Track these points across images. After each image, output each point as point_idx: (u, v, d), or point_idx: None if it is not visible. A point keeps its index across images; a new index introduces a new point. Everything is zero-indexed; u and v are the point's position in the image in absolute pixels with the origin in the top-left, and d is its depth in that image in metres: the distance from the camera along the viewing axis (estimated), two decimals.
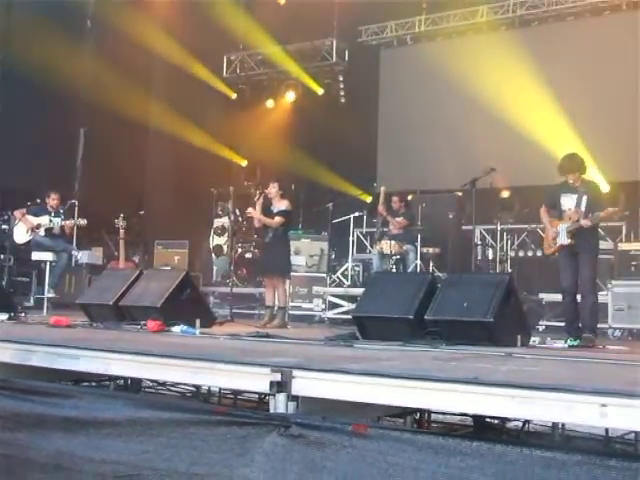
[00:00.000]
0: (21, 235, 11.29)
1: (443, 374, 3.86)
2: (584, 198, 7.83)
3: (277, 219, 9.57)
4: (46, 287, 10.87)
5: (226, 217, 15.06)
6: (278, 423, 3.61)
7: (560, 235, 7.92)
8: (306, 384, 3.84)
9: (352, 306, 10.78)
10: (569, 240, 7.84)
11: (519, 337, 6.76)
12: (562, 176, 8.06)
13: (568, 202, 7.97)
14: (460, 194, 13.07)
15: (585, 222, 7.73)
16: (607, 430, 4.96)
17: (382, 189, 12.33)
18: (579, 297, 7.94)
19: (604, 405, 3.12)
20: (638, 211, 11.71)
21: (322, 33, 16.10)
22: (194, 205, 15.31)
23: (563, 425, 4.96)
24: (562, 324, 8.35)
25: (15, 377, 4.81)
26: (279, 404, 3.83)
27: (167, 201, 15.43)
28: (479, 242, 12.41)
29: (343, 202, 13.63)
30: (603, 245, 10.97)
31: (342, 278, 13.03)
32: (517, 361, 5.38)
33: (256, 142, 16.33)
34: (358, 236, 13.70)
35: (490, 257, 12.57)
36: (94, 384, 5.90)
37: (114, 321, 8.08)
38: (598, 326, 8.27)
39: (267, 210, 9.69)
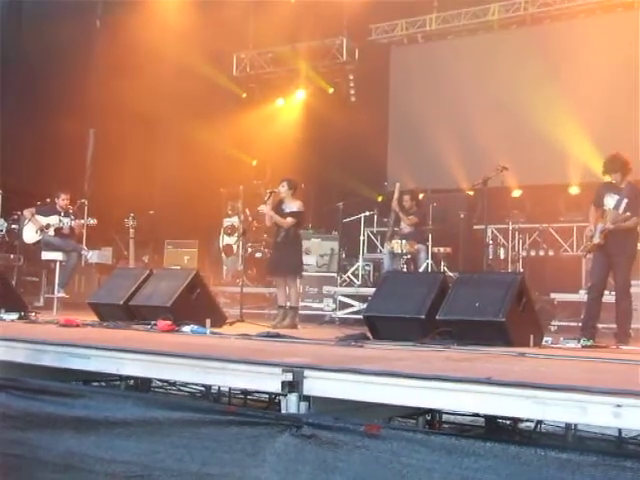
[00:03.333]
0: (31, 235, 11.31)
1: (456, 374, 3.83)
2: (624, 201, 7.85)
3: (289, 220, 9.54)
4: (56, 287, 10.88)
5: (236, 216, 15.06)
6: (290, 423, 3.59)
7: (596, 234, 7.94)
8: (318, 384, 3.83)
9: (363, 306, 10.74)
10: (600, 240, 7.84)
11: (532, 337, 6.71)
12: (605, 176, 8.14)
13: (610, 202, 8.02)
14: (471, 193, 13.03)
15: (609, 225, 7.76)
16: (620, 431, 4.91)
17: (397, 185, 12.32)
18: (608, 299, 7.97)
19: (619, 405, 3.09)
20: None
21: (332, 31, 16.06)
22: (204, 205, 15.30)
23: (576, 425, 4.91)
24: (575, 324, 8.32)
25: (26, 377, 4.81)
26: (291, 404, 3.81)
27: (177, 201, 15.42)
28: (490, 242, 12.36)
29: (353, 201, 13.59)
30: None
31: (353, 278, 13.00)
32: (530, 361, 5.35)
33: (266, 141, 16.31)
34: (369, 235, 13.64)
35: (502, 257, 12.52)
36: (104, 384, 5.89)
37: (124, 321, 8.08)
38: (611, 326, 8.25)
39: (279, 209, 9.67)
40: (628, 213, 7.83)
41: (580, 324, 8.49)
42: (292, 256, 9.65)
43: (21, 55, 14.23)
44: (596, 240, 7.91)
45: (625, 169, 8.02)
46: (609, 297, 8.26)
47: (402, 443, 3.32)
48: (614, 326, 8.22)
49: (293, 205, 9.64)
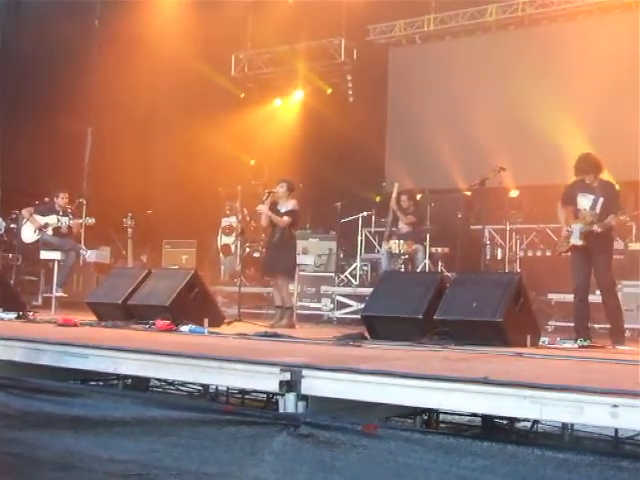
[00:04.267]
0: (29, 234, 11.31)
1: (453, 374, 3.84)
2: (600, 200, 7.80)
3: (285, 219, 9.54)
4: (54, 286, 10.87)
5: (234, 216, 15.06)
6: (288, 423, 3.60)
7: (573, 235, 7.88)
8: (315, 384, 3.84)
9: (360, 306, 10.76)
10: (581, 242, 7.81)
11: (528, 337, 6.74)
12: (577, 177, 8.03)
13: (584, 202, 7.94)
14: (469, 194, 13.03)
15: (596, 228, 7.71)
16: (616, 431, 4.93)
17: (396, 185, 12.35)
18: (593, 298, 7.94)
19: (615, 405, 3.10)
20: None
21: (330, 32, 16.05)
22: (202, 204, 15.30)
23: (572, 425, 4.93)
24: (572, 324, 8.31)
25: (24, 376, 4.82)
26: (288, 403, 3.82)
27: (175, 200, 15.42)
28: (488, 242, 12.36)
29: (351, 201, 13.60)
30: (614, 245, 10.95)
31: (350, 278, 13.01)
32: (527, 361, 5.37)
33: (264, 141, 16.31)
34: (366, 235, 13.66)
35: (499, 257, 12.53)
36: (102, 383, 5.90)
37: (122, 320, 8.08)
38: (608, 326, 8.24)
39: (274, 210, 9.67)
40: (612, 221, 7.79)
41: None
42: (285, 257, 9.65)
43: (19, 54, 14.24)
44: (576, 241, 7.83)
45: (598, 169, 7.92)
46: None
47: (399, 443, 3.33)
48: (610, 326, 8.23)
49: (288, 204, 9.64)
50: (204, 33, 15.22)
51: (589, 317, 7.97)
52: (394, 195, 12.16)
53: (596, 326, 8.74)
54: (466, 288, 7.09)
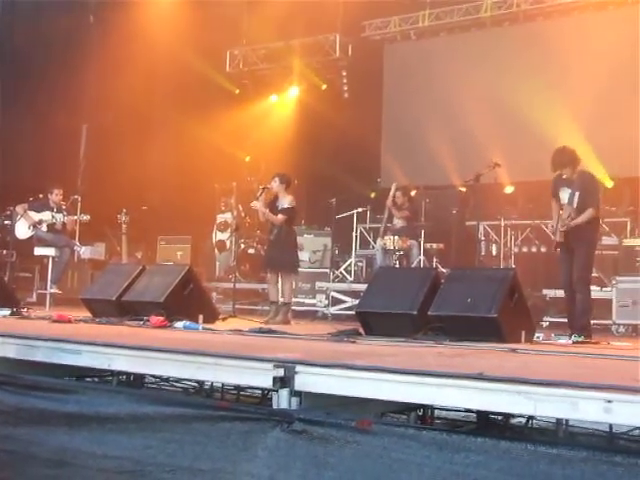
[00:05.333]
0: (23, 230, 11.28)
1: (447, 370, 3.84)
2: (576, 194, 7.72)
3: (280, 217, 9.52)
4: (49, 282, 10.85)
5: (229, 212, 15.05)
6: (281, 419, 3.60)
7: (557, 232, 7.87)
8: (309, 379, 3.84)
9: (355, 302, 10.75)
10: (561, 238, 7.78)
11: (523, 333, 6.75)
12: (555, 171, 7.97)
13: (564, 196, 7.90)
14: (464, 189, 13.04)
15: (568, 223, 7.68)
16: (611, 426, 4.93)
17: (394, 184, 12.45)
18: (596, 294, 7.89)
19: (609, 401, 3.11)
20: None
21: (325, 28, 16.02)
22: (197, 200, 15.29)
23: (567, 421, 4.94)
24: (566, 320, 8.31)
25: (18, 372, 4.81)
26: (282, 399, 3.82)
27: (170, 197, 15.41)
28: (483, 238, 12.38)
29: (346, 197, 13.60)
30: (608, 241, 10.95)
31: (345, 274, 13.02)
32: (521, 357, 5.37)
33: (259, 137, 16.29)
34: (361, 231, 13.67)
35: (494, 253, 12.54)
36: (97, 380, 5.89)
37: (117, 316, 8.08)
38: (602, 322, 8.23)
39: (274, 206, 9.65)
40: (578, 219, 7.75)
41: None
42: (286, 253, 9.64)
43: (14, 50, 14.20)
44: (557, 238, 7.83)
45: (574, 162, 7.86)
46: (597, 293, 8.21)
47: (393, 438, 3.33)
48: (605, 322, 8.24)
49: (285, 201, 9.63)
50: (199, 29, 15.20)
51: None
52: (391, 194, 12.20)
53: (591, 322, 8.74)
54: (461, 284, 7.09)
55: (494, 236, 12.64)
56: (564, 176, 7.89)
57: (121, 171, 14.09)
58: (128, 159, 14.68)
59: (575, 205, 7.73)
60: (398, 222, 12.14)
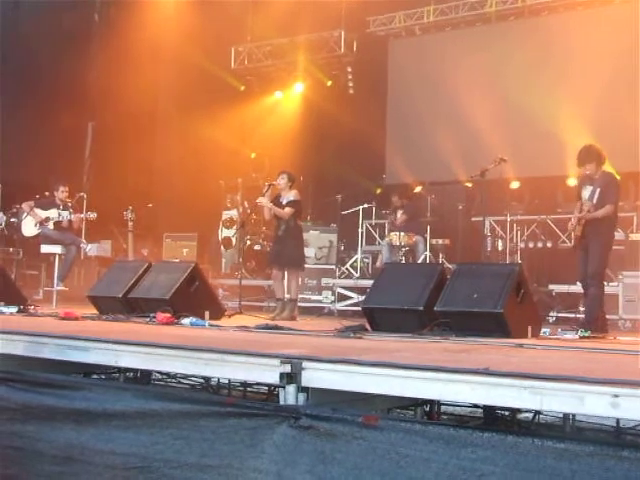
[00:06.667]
0: (30, 228, 11.30)
1: (454, 365, 3.84)
2: (597, 191, 7.85)
3: (287, 210, 9.53)
4: (55, 280, 10.87)
5: (235, 209, 15.06)
6: (288, 415, 3.60)
7: (575, 227, 7.97)
8: (316, 375, 3.83)
9: (361, 298, 10.78)
10: (577, 231, 7.88)
11: (529, 328, 6.74)
12: (580, 167, 8.09)
13: (585, 193, 8.04)
14: (470, 185, 13.03)
15: (582, 215, 7.78)
16: (618, 421, 4.93)
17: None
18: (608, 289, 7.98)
19: (616, 396, 3.10)
20: None
21: (330, 24, 16.02)
22: (202, 197, 15.30)
23: (574, 416, 4.93)
24: (573, 315, 8.34)
25: (26, 369, 4.82)
26: (289, 395, 3.82)
27: (175, 194, 15.44)
28: (489, 233, 12.37)
29: (352, 194, 13.61)
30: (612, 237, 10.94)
31: (351, 270, 13.03)
32: (528, 352, 5.37)
33: (264, 134, 16.31)
34: (367, 227, 13.67)
35: (500, 248, 12.53)
36: (104, 377, 5.91)
37: (123, 313, 8.10)
38: (609, 317, 8.25)
39: (277, 202, 9.66)
40: (599, 212, 7.83)
41: (577, 315, 8.49)
42: (294, 249, 9.64)
43: (19, 49, 14.22)
44: (576, 232, 7.95)
45: (600, 159, 8.00)
46: (608, 288, 8.25)
47: (400, 434, 3.33)
48: (611, 317, 8.25)
49: (289, 195, 9.63)
50: (204, 26, 15.21)
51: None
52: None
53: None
54: (467, 279, 7.09)
55: (500, 231, 12.63)
56: (587, 172, 8.01)
57: (127, 168, 14.13)
58: (134, 156, 14.71)
59: (594, 201, 7.86)
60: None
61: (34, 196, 11.71)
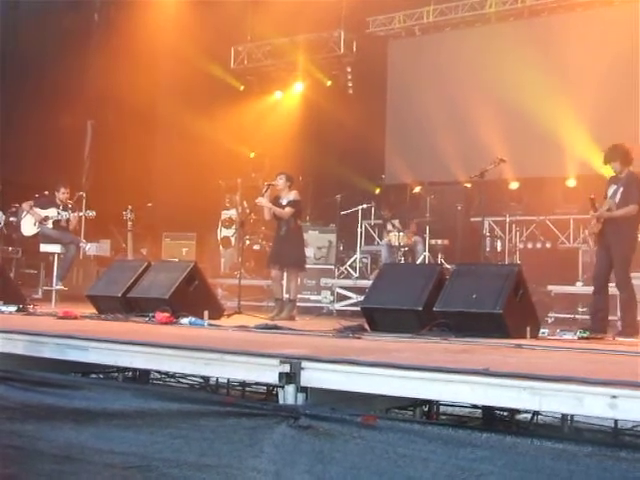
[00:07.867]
0: (29, 227, 11.30)
1: (453, 365, 3.84)
2: (620, 190, 7.90)
3: (287, 209, 9.53)
4: (54, 279, 10.87)
5: (234, 209, 15.07)
6: (287, 414, 3.60)
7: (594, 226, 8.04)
8: (315, 375, 3.84)
9: (360, 298, 10.77)
10: (596, 229, 7.93)
11: (528, 329, 6.73)
12: (605, 164, 8.18)
13: (610, 192, 8.07)
14: (469, 186, 13.05)
15: (602, 212, 7.85)
16: (616, 422, 4.94)
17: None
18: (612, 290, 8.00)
19: (614, 397, 3.10)
20: None
21: (330, 24, 16.03)
22: (202, 197, 15.31)
23: (572, 417, 4.94)
24: (571, 316, 8.36)
25: (25, 369, 4.83)
26: (288, 395, 3.83)
27: (175, 193, 15.42)
28: (488, 234, 12.39)
29: (351, 194, 13.61)
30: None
31: (350, 270, 13.03)
32: (527, 352, 5.37)
33: (264, 134, 16.31)
34: (366, 227, 13.68)
35: (499, 249, 12.55)
36: (103, 376, 5.90)
37: (122, 313, 8.08)
38: (609, 318, 8.25)
39: (276, 203, 9.66)
40: (619, 211, 7.85)
41: (576, 316, 8.49)
42: (294, 249, 9.64)
43: (19, 48, 14.21)
44: (594, 229, 7.97)
45: (625, 158, 8.02)
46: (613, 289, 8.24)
47: (398, 434, 3.34)
48: (610, 318, 8.25)
49: (289, 195, 9.64)
50: (203, 26, 15.21)
51: (606, 309, 7.98)
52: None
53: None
54: (466, 280, 7.09)
55: (499, 232, 12.65)
56: (613, 170, 8.07)
57: (126, 168, 14.12)
58: (133, 156, 14.70)
59: (617, 200, 7.89)
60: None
61: (33, 195, 11.70)
